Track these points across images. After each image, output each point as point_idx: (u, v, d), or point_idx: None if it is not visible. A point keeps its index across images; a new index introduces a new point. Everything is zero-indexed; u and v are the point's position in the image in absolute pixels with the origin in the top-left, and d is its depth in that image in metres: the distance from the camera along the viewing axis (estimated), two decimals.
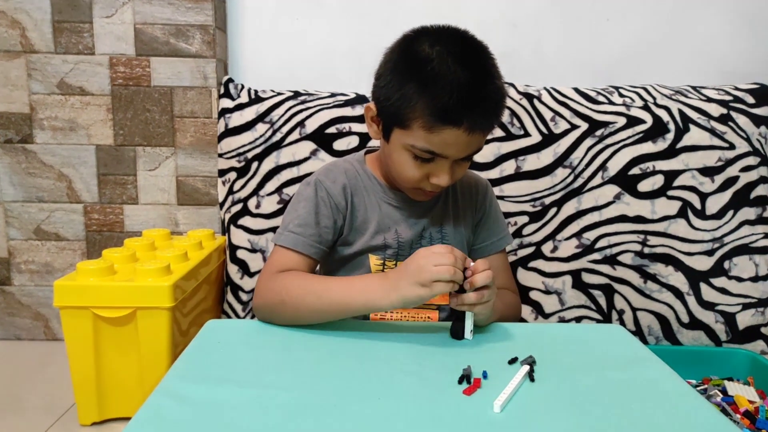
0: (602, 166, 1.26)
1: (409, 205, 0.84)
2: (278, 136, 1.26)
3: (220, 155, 1.30)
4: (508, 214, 1.27)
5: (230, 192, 1.30)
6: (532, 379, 0.58)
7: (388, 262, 0.83)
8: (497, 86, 0.70)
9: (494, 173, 1.26)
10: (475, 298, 0.66)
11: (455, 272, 0.63)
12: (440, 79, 0.66)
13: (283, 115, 1.27)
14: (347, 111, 1.27)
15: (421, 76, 0.68)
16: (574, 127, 1.27)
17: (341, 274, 0.86)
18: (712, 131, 1.26)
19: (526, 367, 0.59)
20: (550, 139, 1.27)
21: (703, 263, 1.26)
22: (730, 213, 1.26)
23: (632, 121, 1.26)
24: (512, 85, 1.30)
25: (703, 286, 1.25)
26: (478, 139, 0.71)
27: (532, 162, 1.26)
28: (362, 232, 0.82)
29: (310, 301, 0.68)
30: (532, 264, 1.29)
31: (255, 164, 1.27)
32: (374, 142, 1.25)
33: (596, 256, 1.28)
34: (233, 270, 1.29)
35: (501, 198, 1.25)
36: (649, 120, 1.26)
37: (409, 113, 0.69)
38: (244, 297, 1.29)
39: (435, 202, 0.86)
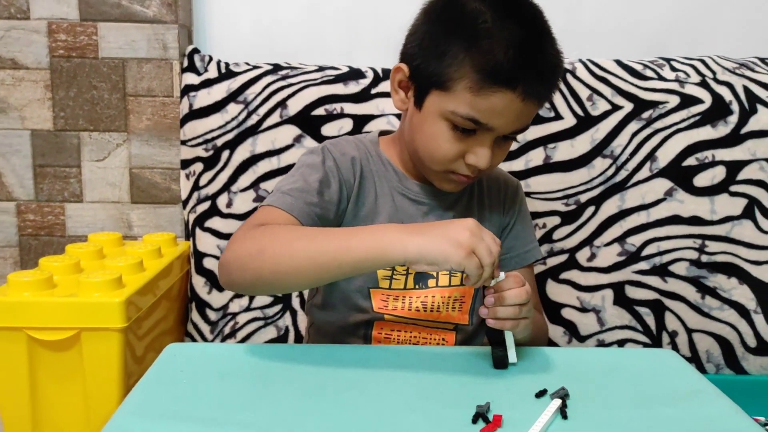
0: (650, 156, 1.27)
1: (429, 199, 0.85)
2: (254, 119, 1.27)
3: (183, 142, 1.30)
4: (535, 214, 1.27)
5: (195, 187, 1.30)
6: (564, 416, 0.58)
7: (398, 267, 0.83)
8: (557, 50, 0.75)
9: (518, 164, 1.26)
10: (513, 312, 0.67)
11: (492, 264, 0.63)
12: (494, 33, 0.70)
13: (260, 93, 1.27)
14: (338, 88, 1.27)
15: (471, 30, 0.71)
16: (615, 107, 1.27)
17: (333, 289, 0.86)
18: None
19: (558, 402, 0.59)
20: (586, 122, 1.27)
21: None
22: None
23: (687, 101, 1.26)
24: None
25: None
26: (529, 111, 0.74)
27: (564, 150, 1.27)
28: None
29: (299, 247, 0.66)
30: (564, 275, 1.29)
31: (226, 153, 1.27)
32: (373, 126, 1.25)
33: (643, 265, 1.28)
34: (199, 283, 1.29)
35: (527, 195, 1.25)
36: (707, 99, 1.26)
37: (454, 71, 0.71)
38: (212, 316, 1.29)
39: (458, 199, 0.87)
